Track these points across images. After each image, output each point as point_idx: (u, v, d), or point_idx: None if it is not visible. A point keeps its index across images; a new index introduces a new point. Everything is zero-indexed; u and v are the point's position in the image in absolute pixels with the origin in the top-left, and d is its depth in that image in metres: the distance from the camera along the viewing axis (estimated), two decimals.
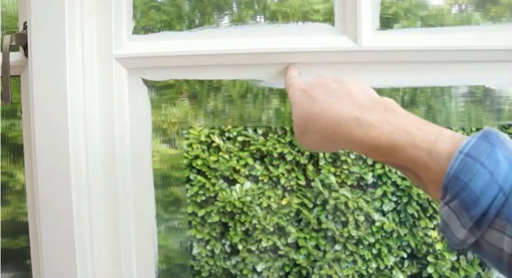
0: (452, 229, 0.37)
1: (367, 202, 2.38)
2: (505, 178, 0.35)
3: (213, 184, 2.43)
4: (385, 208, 2.37)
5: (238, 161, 2.44)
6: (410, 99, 0.76)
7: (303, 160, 2.43)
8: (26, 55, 0.60)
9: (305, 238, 2.40)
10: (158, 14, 0.74)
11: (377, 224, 2.36)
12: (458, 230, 0.37)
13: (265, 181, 2.44)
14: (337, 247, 2.39)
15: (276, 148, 2.43)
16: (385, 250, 2.36)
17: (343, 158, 2.39)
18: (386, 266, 2.37)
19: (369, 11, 0.58)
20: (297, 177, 2.43)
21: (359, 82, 0.49)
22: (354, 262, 2.39)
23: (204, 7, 0.79)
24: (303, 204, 2.42)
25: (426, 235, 2.34)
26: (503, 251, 0.35)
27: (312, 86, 0.50)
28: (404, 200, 2.36)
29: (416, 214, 2.35)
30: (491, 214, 0.35)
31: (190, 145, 2.43)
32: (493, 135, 0.37)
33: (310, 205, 2.41)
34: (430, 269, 2.32)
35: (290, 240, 2.41)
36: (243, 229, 2.42)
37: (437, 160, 0.38)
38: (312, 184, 2.42)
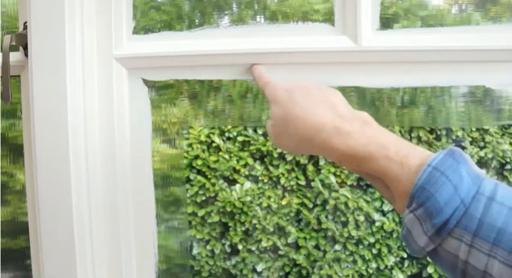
0: (415, 235, 0.41)
1: (367, 202, 2.38)
2: (467, 192, 0.38)
3: (213, 184, 2.43)
4: (385, 208, 2.37)
5: (238, 161, 2.44)
6: (410, 99, 0.76)
7: (303, 160, 2.43)
8: (26, 55, 0.60)
9: (305, 238, 2.40)
10: (158, 14, 0.74)
11: (377, 224, 2.36)
12: (420, 237, 0.40)
13: (265, 181, 2.44)
14: (337, 247, 2.39)
15: (276, 148, 2.42)
16: (385, 250, 2.36)
17: None
18: (386, 266, 2.37)
19: (369, 11, 0.58)
20: (297, 177, 2.43)
21: (338, 93, 0.51)
22: (354, 262, 2.39)
23: (204, 7, 0.79)
24: (303, 204, 2.42)
25: None
26: (458, 258, 0.38)
27: (293, 87, 0.51)
28: None
29: None
30: (451, 223, 0.38)
31: (190, 145, 2.43)
32: (458, 153, 0.41)
33: (310, 205, 2.41)
34: (430, 269, 2.32)
35: (290, 240, 2.41)
36: (243, 229, 2.42)
37: (407, 172, 0.42)
38: (312, 184, 2.42)
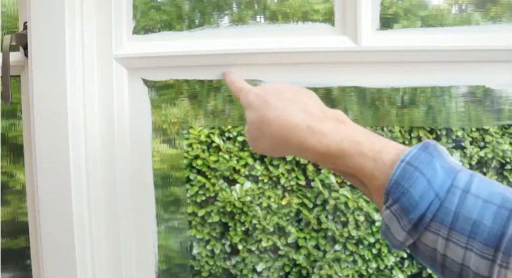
0: (393, 231, 0.41)
1: (367, 202, 2.38)
2: (441, 185, 0.38)
3: (213, 184, 2.43)
4: None
5: (238, 161, 2.44)
6: (410, 99, 0.76)
7: (303, 160, 2.43)
8: (26, 55, 0.60)
9: (305, 238, 2.40)
10: (158, 14, 0.74)
11: (377, 224, 2.36)
12: (398, 233, 0.40)
13: (265, 181, 2.44)
14: (337, 247, 2.39)
15: None
16: (385, 250, 2.36)
17: None
18: (386, 266, 2.37)
19: (369, 11, 0.58)
20: (297, 177, 2.43)
21: (311, 93, 0.51)
22: (354, 262, 2.39)
23: (204, 7, 0.79)
24: (303, 204, 2.42)
25: None
26: (436, 251, 0.39)
27: (266, 91, 0.51)
28: None
29: None
30: (427, 217, 0.38)
31: (190, 145, 2.43)
32: (432, 146, 0.41)
33: (310, 205, 2.41)
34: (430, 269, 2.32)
35: (290, 240, 2.41)
36: (243, 229, 2.42)
37: (382, 168, 0.42)
38: (312, 184, 2.42)
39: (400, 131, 2.36)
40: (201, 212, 2.41)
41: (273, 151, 0.51)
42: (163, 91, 0.73)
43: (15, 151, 0.77)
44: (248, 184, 2.42)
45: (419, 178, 0.39)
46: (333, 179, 2.39)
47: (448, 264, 0.38)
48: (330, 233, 2.40)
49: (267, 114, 0.48)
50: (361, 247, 2.38)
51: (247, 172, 2.44)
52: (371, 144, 0.43)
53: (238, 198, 2.40)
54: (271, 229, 2.40)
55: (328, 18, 0.61)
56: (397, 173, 0.40)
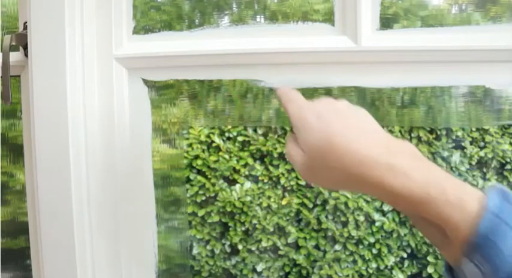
0: None
1: (367, 202, 2.38)
2: None
3: (213, 184, 2.43)
4: (385, 208, 2.37)
5: (238, 161, 2.44)
6: (410, 99, 0.76)
7: None
8: (26, 55, 0.60)
9: (305, 238, 2.40)
10: (158, 14, 0.74)
11: (377, 224, 2.36)
12: None
13: (265, 181, 2.43)
14: (337, 247, 2.39)
15: (276, 148, 2.43)
16: (385, 250, 2.36)
17: None
18: (386, 266, 2.37)
19: (368, 11, 0.58)
20: (297, 177, 2.43)
21: (369, 115, 0.46)
22: (354, 262, 2.39)
23: (204, 7, 0.79)
24: (303, 204, 2.42)
25: None
26: None
27: (327, 111, 0.44)
28: None
29: None
30: None
31: (190, 145, 2.43)
32: (507, 194, 0.38)
33: (310, 205, 2.41)
34: (430, 269, 2.32)
35: (290, 240, 2.41)
36: (243, 229, 2.42)
37: (466, 219, 0.38)
38: (312, 184, 2.41)
39: (400, 131, 2.36)
40: (201, 212, 2.41)
41: (336, 185, 0.45)
42: (163, 91, 0.73)
43: (15, 151, 0.77)
44: (248, 184, 2.42)
45: (506, 231, 0.35)
46: None
47: None
48: (330, 233, 2.40)
49: (335, 143, 0.41)
50: (361, 247, 2.38)
51: (247, 172, 2.44)
52: (453, 189, 0.39)
53: (238, 198, 2.40)
54: (271, 229, 2.40)
55: (328, 18, 0.61)
56: (485, 225, 0.36)
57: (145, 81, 0.64)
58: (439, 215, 0.39)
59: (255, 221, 2.41)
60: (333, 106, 0.45)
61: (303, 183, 2.43)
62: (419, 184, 0.39)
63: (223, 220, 2.43)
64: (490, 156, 2.37)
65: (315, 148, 0.43)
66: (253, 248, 2.41)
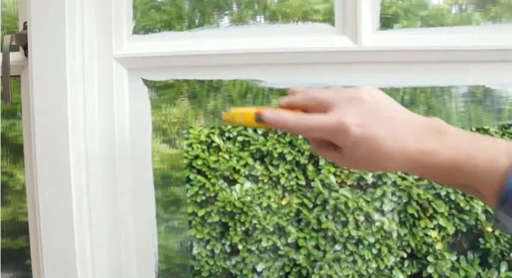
0: (511, 229, 0.42)
1: (367, 202, 2.38)
2: None
3: (213, 184, 2.43)
4: (385, 208, 2.37)
5: (238, 161, 2.44)
6: (411, 99, 0.76)
7: (303, 160, 2.43)
8: (26, 55, 0.60)
9: (305, 238, 2.40)
10: (158, 14, 0.74)
11: (377, 224, 2.36)
12: None
13: (265, 181, 2.43)
14: (337, 247, 2.39)
15: (276, 148, 2.43)
16: (385, 250, 2.36)
17: None
18: (386, 266, 2.37)
19: (369, 11, 0.58)
20: (297, 177, 2.43)
21: (396, 104, 0.48)
22: (354, 262, 2.39)
23: (204, 7, 0.79)
24: (303, 204, 2.42)
25: (426, 235, 2.34)
26: None
27: (367, 118, 0.45)
28: (404, 200, 2.36)
29: (416, 214, 2.35)
30: None
31: (190, 145, 2.43)
32: None
33: (310, 205, 2.41)
34: (430, 269, 2.32)
35: (290, 240, 2.41)
36: (243, 229, 2.42)
37: (497, 176, 0.41)
38: (312, 184, 2.41)
39: None
40: (201, 212, 2.41)
41: (380, 169, 0.49)
42: (163, 91, 0.73)
43: (15, 151, 0.77)
44: (248, 184, 2.42)
45: None
46: (333, 179, 2.39)
47: None
48: (330, 233, 2.40)
49: (378, 147, 0.45)
50: (361, 247, 2.38)
51: (247, 172, 2.44)
52: (482, 153, 0.43)
53: (238, 198, 2.40)
54: (271, 229, 2.40)
55: (328, 18, 0.61)
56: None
57: (145, 81, 0.64)
58: (470, 180, 0.43)
59: (255, 221, 2.41)
60: (368, 106, 0.46)
61: (303, 183, 2.43)
62: (448, 158, 0.43)
63: (223, 220, 2.43)
64: None
65: (362, 158, 0.46)
66: (253, 248, 2.41)
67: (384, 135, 0.45)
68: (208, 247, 2.43)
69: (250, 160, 2.42)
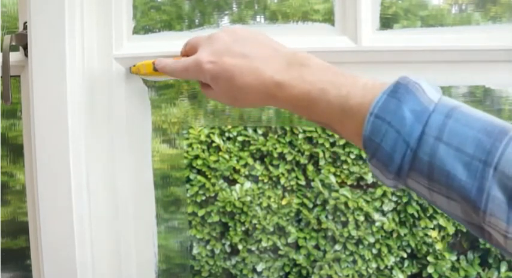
0: (381, 179, 0.40)
1: (367, 202, 2.38)
2: (410, 134, 0.36)
3: (213, 184, 2.43)
4: (385, 208, 2.37)
5: (238, 161, 2.44)
6: None
7: (303, 160, 2.43)
8: (26, 55, 0.60)
9: (305, 238, 2.40)
10: (158, 14, 0.74)
11: (377, 224, 2.36)
12: (386, 180, 0.40)
13: (265, 181, 2.44)
14: (337, 247, 2.39)
15: (276, 148, 2.43)
16: (385, 250, 2.36)
17: (343, 158, 2.39)
18: (386, 266, 2.37)
19: (369, 11, 0.58)
20: (297, 177, 2.43)
21: (257, 32, 0.50)
22: (354, 262, 2.39)
23: (204, 7, 0.79)
24: (303, 204, 2.42)
25: (426, 235, 2.34)
26: (425, 196, 0.38)
27: (217, 54, 0.48)
28: (404, 200, 2.36)
29: (416, 214, 2.35)
30: (405, 168, 0.37)
31: (190, 145, 2.43)
32: (402, 89, 0.38)
33: (310, 205, 2.41)
34: (430, 269, 2.32)
35: (290, 240, 2.41)
36: (243, 229, 2.42)
37: (351, 116, 0.41)
38: (312, 184, 2.42)
39: None
40: (201, 212, 2.42)
41: (251, 104, 0.50)
42: (163, 91, 0.73)
43: (15, 151, 0.77)
44: (248, 184, 2.42)
45: (388, 130, 0.37)
46: (333, 179, 2.39)
47: (439, 206, 0.38)
48: (330, 233, 2.40)
49: (235, 81, 0.47)
50: (361, 247, 2.38)
51: (247, 172, 2.44)
52: (336, 89, 0.42)
53: (238, 198, 2.41)
54: (271, 229, 2.40)
55: (328, 18, 0.61)
56: (368, 128, 0.38)
57: (145, 81, 0.64)
58: (323, 116, 0.43)
59: (255, 221, 2.41)
60: (221, 44, 0.49)
61: (303, 183, 2.43)
62: (303, 92, 0.43)
63: (223, 220, 2.43)
64: None
65: (225, 95, 0.49)
66: (253, 248, 2.41)
67: (239, 69, 0.47)
68: (208, 247, 2.43)
69: (250, 160, 2.42)
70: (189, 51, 0.53)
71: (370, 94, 0.40)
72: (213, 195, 2.43)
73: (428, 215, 2.35)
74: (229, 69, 0.47)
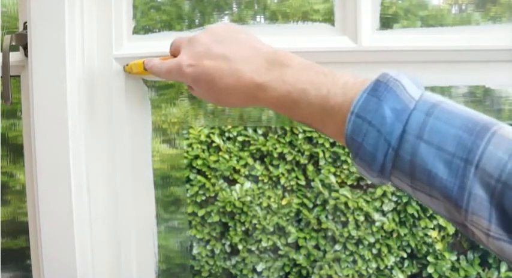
0: (367, 176, 0.40)
1: (367, 202, 2.38)
2: (391, 132, 0.36)
3: (213, 184, 2.43)
4: (385, 208, 2.37)
5: (238, 161, 2.44)
6: None
7: (303, 160, 2.43)
8: (26, 55, 0.60)
9: (305, 238, 2.40)
10: (158, 14, 0.74)
11: (377, 224, 2.36)
12: (371, 178, 0.40)
13: (265, 181, 2.44)
14: (337, 247, 2.39)
15: (276, 148, 2.43)
16: (385, 250, 2.36)
17: (343, 158, 2.39)
18: (386, 266, 2.37)
19: (369, 11, 0.58)
20: (297, 177, 2.43)
21: (239, 33, 0.49)
22: (354, 262, 2.39)
23: (204, 7, 0.79)
24: (303, 204, 2.42)
25: (426, 235, 2.34)
26: (410, 194, 0.38)
27: (195, 58, 0.48)
28: (404, 200, 2.36)
29: (416, 214, 2.35)
30: (387, 166, 0.37)
31: (190, 145, 2.43)
32: (382, 87, 0.38)
33: (310, 205, 2.41)
34: (430, 269, 2.32)
35: (290, 240, 2.41)
36: (243, 229, 2.42)
37: (332, 115, 0.40)
38: (312, 184, 2.42)
39: None
40: (201, 212, 2.42)
41: (237, 104, 0.50)
42: (163, 91, 0.73)
43: (15, 151, 0.77)
44: (248, 184, 2.42)
45: (369, 130, 0.37)
46: (333, 179, 2.39)
47: (424, 203, 0.38)
48: (330, 233, 2.40)
49: (215, 83, 0.47)
50: (361, 247, 2.38)
51: (247, 172, 2.44)
52: (316, 90, 0.41)
53: (238, 198, 2.41)
54: (271, 229, 2.40)
55: (328, 18, 0.61)
56: (349, 128, 0.38)
57: (145, 81, 0.64)
58: (305, 116, 0.43)
59: (255, 221, 2.41)
60: (199, 47, 0.49)
61: (303, 183, 2.43)
62: (283, 93, 0.43)
63: (223, 220, 2.43)
64: None
65: (207, 96, 0.49)
66: (253, 248, 2.41)
67: (219, 71, 0.46)
68: (208, 247, 2.43)
69: (250, 160, 2.42)
70: (173, 52, 0.54)
71: (351, 92, 0.39)
72: (213, 195, 2.43)
73: (428, 215, 2.35)
74: (209, 72, 0.47)
